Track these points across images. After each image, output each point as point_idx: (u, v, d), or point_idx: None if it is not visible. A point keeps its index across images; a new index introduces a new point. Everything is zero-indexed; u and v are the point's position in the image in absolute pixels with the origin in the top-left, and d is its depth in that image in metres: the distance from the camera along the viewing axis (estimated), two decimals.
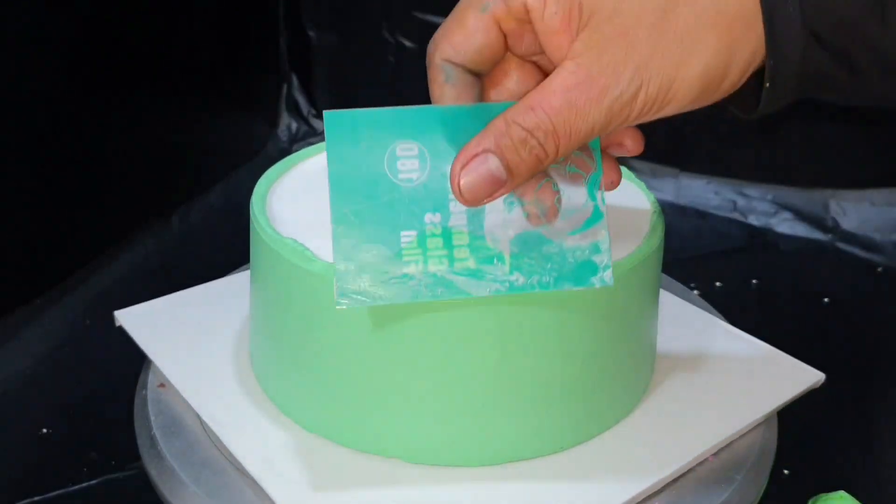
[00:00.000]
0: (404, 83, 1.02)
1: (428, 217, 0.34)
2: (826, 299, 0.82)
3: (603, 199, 0.35)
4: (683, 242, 0.67)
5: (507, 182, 0.32)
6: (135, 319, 0.52)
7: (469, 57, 0.33)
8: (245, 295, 0.48)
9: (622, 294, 0.41)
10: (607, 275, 0.35)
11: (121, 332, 0.52)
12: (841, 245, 0.93)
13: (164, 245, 0.86)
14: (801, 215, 0.95)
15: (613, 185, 0.36)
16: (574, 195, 0.34)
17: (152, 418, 0.47)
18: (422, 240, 0.34)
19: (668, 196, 0.97)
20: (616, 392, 0.44)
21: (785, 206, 0.96)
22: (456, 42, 0.33)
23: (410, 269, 0.34)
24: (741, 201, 0.97)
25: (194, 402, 0.45)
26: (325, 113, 0.34)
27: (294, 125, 1.10)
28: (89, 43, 0.76)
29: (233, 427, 0.44)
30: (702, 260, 0.65)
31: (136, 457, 0.46)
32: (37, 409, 0.63)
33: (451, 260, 0.34)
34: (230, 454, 0.43)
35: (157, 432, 0.46)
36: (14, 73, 0.69)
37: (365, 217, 0.33)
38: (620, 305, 0.41)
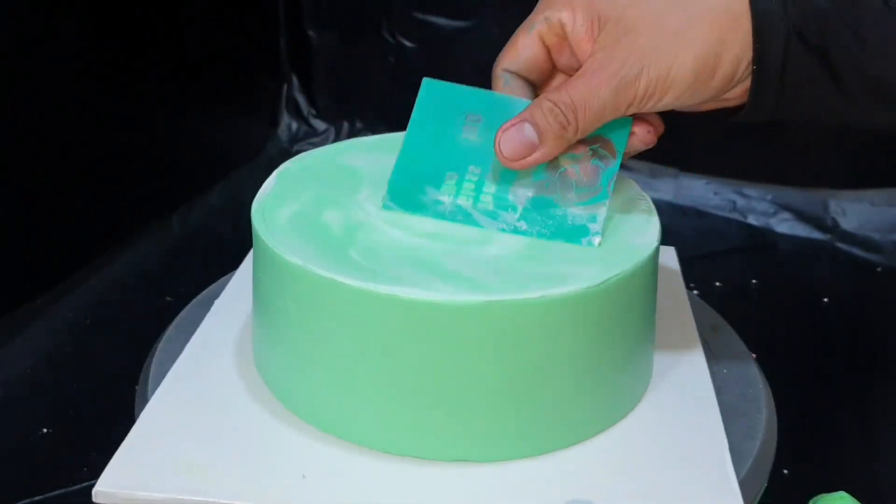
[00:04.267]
0: (404, 83, 1.02)
1: (471, 167, 0.43)
2: (826, 299, 0.82)
3: (612, 188, 0.42)
4: (683, 242, 0.67)
5: (538, 147, 0.40)
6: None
7: (520, 66, 0.42)
8: None
9: (611, 301, 0.41)
10: (596, 239, 0.42)
11: (121, 331, 0.52)
12: (841, 245, 0.93)
13: (164, 245, 0.86)
14: (800, 215, 0.96)
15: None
16: (591, 179, 0.42)
17: None
18: (460, 181, 0.43)
19: (668, 196, 0.97)
20: (602, 400, 0.44)
21: (785, 206, 0.96)
22: (510, 56, 0.42)
23: (444, 198, 0.43)
24: (741, 201, 0.98)
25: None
26: (425, 80, 0.44)
27: (294, 125, 1.10)
28: (90, 43, 0.77)
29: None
30: (702, 260, 0.65)
31: None
32: (37, 409, 0.63)
33: (476, 200, 0.43)
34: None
35: None
36: (14, 74, 0.69)
37: (426, 155, 0.44)
38: (609, 313, 0.41)
